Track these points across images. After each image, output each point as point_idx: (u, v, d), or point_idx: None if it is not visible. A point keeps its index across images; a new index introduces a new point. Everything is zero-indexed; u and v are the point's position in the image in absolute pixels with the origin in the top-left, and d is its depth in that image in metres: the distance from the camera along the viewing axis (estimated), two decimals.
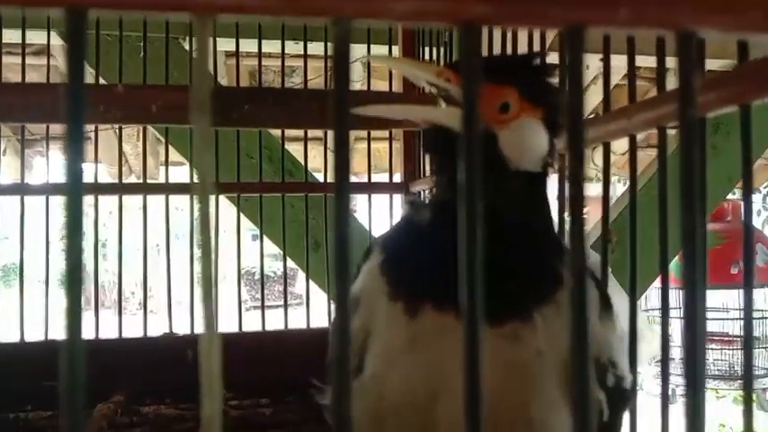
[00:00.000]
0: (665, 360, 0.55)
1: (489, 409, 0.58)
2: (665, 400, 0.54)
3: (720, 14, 0.23)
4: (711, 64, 1.96)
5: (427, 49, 1.26)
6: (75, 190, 0.21)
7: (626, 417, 0.63)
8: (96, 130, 1.24)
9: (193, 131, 0.23)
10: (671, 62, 0.58)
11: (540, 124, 0.57)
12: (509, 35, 0.88)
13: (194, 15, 0.22)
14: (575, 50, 0.24)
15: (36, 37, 1.39)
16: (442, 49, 1.20)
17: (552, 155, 0.59)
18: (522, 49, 0.84)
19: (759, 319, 3.31)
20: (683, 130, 0.25)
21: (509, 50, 0.86)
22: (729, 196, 3.08)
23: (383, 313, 0.60)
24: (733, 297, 3.39)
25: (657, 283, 2.33)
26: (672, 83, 0.59)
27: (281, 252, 1.52)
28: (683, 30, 0.24)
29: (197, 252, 1.21)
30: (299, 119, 0.84)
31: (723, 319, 3.48)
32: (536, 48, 0.81)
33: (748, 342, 0.48)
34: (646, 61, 0.67)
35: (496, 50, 0.89)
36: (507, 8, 0.22)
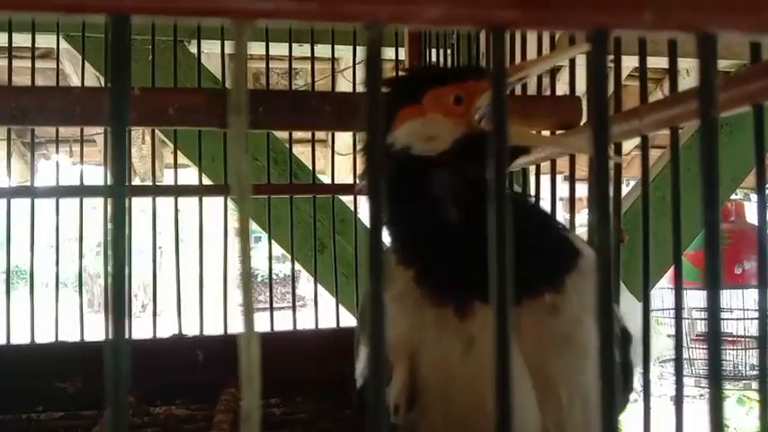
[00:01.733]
0: (678, 358, 0.56)
1: (545, 383, 0.59)
2: (680, 397, 0.55)
3: (742, 16, 0.23)
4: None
5: (434, 51, 1.27)
6: (119, 192, 0.22)
7: (639, 417, 0.63)
8: (106, 133, 1.25)
9: (229, 133, 0.23)
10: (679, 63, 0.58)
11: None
12: (518, 37, 0.89)
13: (232, 20, 0.22)
14: (599, 53, 0.25)
15: (42, 41, 1.40)
16: (448, 51, 1.21)
17: None
18: (532, 49, 0.85)
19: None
20: (705, 130, 0.25)
21: (519, 51, 0.87)
22: (732, 196, 3.08)
23: (431, 325, 0.58)
24: (737, 297, 3.39)
25: (661, 283, 2.33)
26: (679, 84, 0.59)
27: (285, 254, 1.52)
28: (705, 32, 0.25)
29: (203, 253, 1.22)
30: (314, 121, 0.84)
31: (726, 320, 3.48)
32: (545, 48, 0.82)
33: (763, 342, 0.48)
34: (650, 63, 0.68)
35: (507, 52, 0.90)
36: (535, 12, 0.23)
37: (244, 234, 0.23)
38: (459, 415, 0.58)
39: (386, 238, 0.67)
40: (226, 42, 1.29)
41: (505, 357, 0.23)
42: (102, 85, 1.31)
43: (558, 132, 0.81)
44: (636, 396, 0.72)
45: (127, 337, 0.24)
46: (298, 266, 1.65)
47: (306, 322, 1.28)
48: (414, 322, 0.59)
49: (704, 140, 0.25)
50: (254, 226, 1.54)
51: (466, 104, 0.61)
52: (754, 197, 3.72)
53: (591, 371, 0.57)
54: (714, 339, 0.26)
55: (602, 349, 0.24)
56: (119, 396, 0.23)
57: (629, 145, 2.36)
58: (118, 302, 0.22)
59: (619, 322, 0.62)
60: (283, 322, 1.26)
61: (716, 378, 0.27)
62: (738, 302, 3.43)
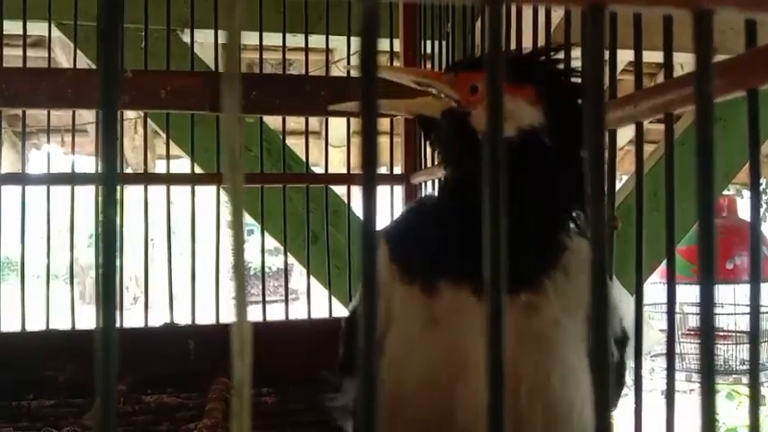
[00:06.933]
0: (670, 353, 0.56)
1: (508, 378, 0.60)
2: (671, 392, 0.55)
3: None
4: None
5: (429, 42, 1.26)
6: (110, 175, 0.21)
7: (629, 412, 0.63)
8: (97, 123, 1.24)
9: (223, 102, 0.23)
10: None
11: (515, 99, 0.59)
12: (513, 25, 0.89)
13: None
14: (595, 29, 0.25)
15: (34, 28, 1.39)
16: (444, 42, 1.21)
17: (545, 128, 0.59)
18: (527, 33, 0.85)
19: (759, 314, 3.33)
20: (699, 107, 0.25)
21: (514, 36, 0.88)
22: (725, 192, 3.10)
23: (399, 298, 0.60)
24: (728, 293, 3.41)
25: (653, 278, 2.32)
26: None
27: (278, 247, 1.52)
28: (701, 9, 0.25)
29: (195, 243, 1.21)
30: (307, 106, 0.84)
31: (718, 314, 3.50)
32: (540, 33, 0.82)
33: (755, 337, 0.47)
34: (644, 57, 0.68)
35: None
36: None
37: (237, 208, 0.22)
38: (412, 384, 0.59)
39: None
40: (219, 32, 1.28)
41: (498, 342, 0.23)
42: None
43: None
44: (626, 391, 0.73)
45: (117, 325, 0.23)
46: (291, 260, 1.65)
47: (298, 316, 1.28)
48: (386, 295, 0.61)
49: (700, 114, 0.25)
50: (247, 218, 1.53)
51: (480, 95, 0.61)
52: (746, 193, 3.73)
53: (560, 373, 0.57)
54: (707, 329, 0.26)
55: (595, 332, 0.24)
56: (108, 383, 0.22)
57: (622, 140, 2.36)
58: (107, 286, 0.22)
59: (621, 322, 0.62)
60: (276, 316, 1.26)
61: (708, 372, 0.27)
62: (729, 298, 3.45)
